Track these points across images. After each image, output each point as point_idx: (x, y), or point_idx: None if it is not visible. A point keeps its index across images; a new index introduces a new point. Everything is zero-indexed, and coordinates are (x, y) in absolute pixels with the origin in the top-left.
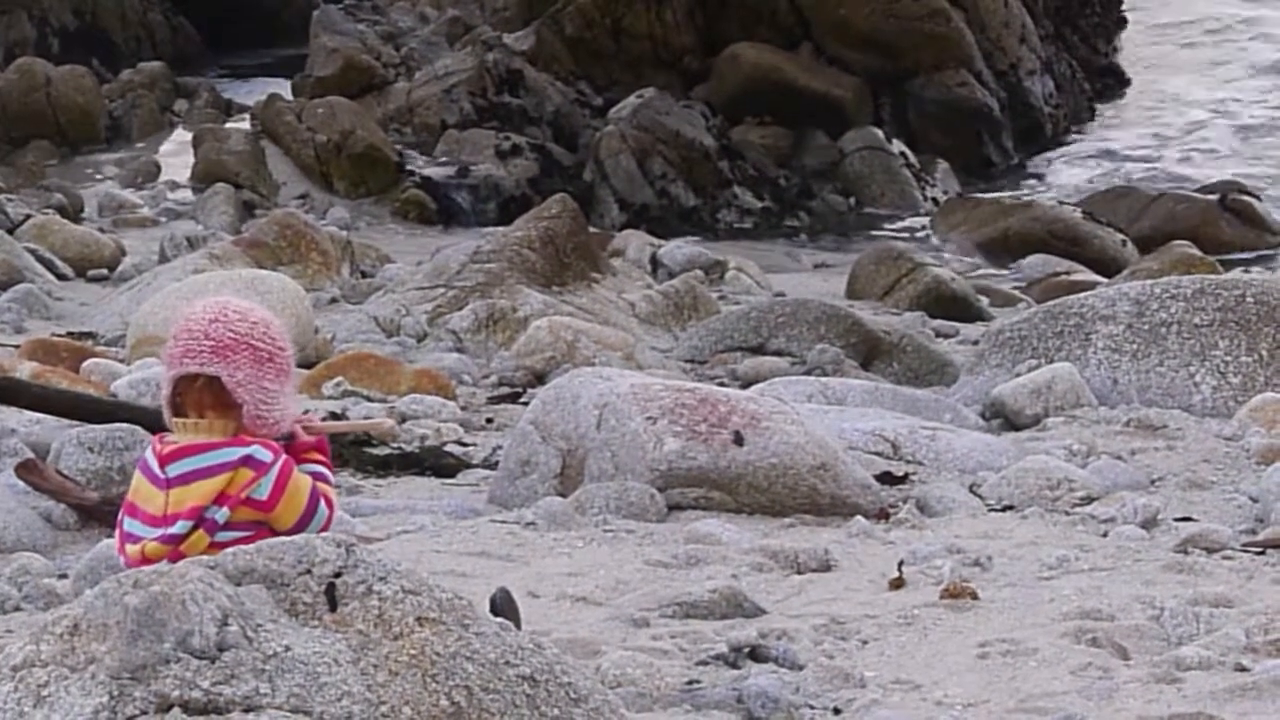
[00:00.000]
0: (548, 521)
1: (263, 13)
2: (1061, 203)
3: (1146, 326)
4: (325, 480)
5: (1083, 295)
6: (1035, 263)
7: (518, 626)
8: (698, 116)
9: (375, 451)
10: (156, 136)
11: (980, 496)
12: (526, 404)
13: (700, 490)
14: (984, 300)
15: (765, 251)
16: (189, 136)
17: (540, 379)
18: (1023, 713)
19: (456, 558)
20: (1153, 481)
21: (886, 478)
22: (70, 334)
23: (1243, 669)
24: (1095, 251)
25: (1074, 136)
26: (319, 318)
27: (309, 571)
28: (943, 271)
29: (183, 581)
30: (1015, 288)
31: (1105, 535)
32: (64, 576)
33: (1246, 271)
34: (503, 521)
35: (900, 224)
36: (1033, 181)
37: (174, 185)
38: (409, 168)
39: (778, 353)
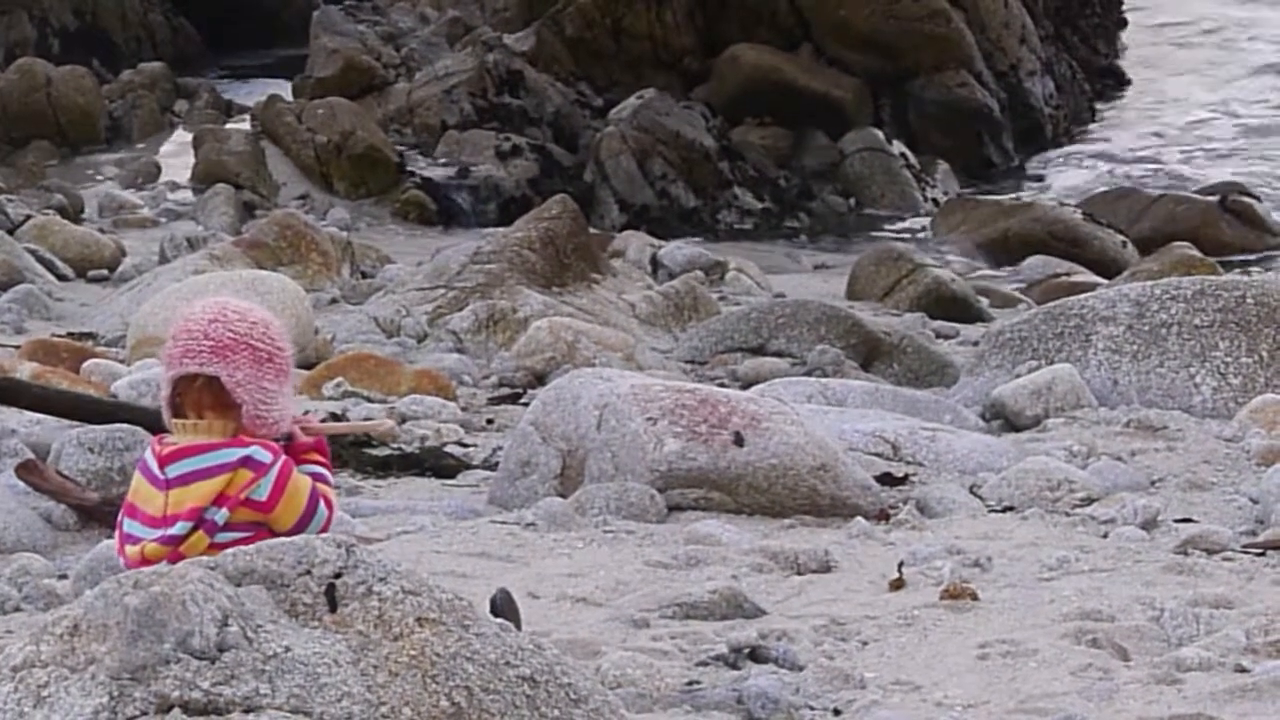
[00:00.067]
0: (548, 522)
1: (263, 13)
2: (1062, 204)
3: (1147, 328)
4: (325, 481)
5: (1083, 296)
6: (1035, 264)
7: (518, 627)
8: (698, 117)
9: (375, 452)
10: (157, 137)
11: (980, 497)
12: (527, 405)
13: (700, 491)
14: (984, 301)
15: (765, 252)
16: (189, 137)
17: (540, 380)
18: (1023, 713)
19: (456, 558)
20: (1153, 483)
21: (886, 479)
22: (70, 334)
23: (1243, 670)
24: (1095, 252)
25: (1074, 137)
26: (319, 318)
27: (309, 572)
28: (943, 272)
29: (183, 582)
30: (1015, 289)
31: (1105, 536)
32: (64, 577)
33: (1247, 273)
34: (503, 522)
35: (900, 225)
36: (1033, 182)
37: (174, 186)
38: (409, 168)
39: (778, 354)
